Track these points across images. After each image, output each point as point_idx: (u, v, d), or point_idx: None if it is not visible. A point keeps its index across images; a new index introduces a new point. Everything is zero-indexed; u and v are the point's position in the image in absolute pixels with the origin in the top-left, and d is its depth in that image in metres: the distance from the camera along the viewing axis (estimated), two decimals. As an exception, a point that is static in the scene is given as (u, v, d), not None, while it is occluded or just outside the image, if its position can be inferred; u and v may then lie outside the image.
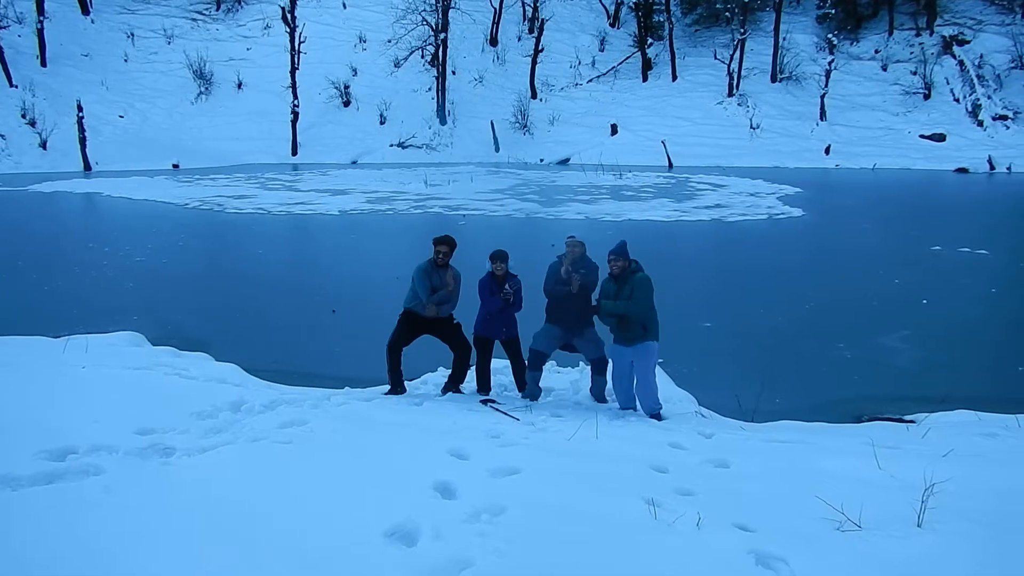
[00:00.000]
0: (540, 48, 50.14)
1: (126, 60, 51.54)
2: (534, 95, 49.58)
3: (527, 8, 54.82)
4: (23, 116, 42.58)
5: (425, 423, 6.32)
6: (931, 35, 46.80)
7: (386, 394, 7.91)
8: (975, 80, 43.24)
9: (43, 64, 47.45)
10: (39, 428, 5.09)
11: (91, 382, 6.46)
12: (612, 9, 54.60)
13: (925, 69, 44.64)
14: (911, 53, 46.46)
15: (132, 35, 53.03)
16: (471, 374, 8.27)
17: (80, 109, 40.42)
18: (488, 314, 7.82)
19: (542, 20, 51.28)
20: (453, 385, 8.12)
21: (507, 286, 7.71)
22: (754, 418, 7.33)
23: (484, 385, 8.12)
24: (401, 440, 5.56)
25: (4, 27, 45.56)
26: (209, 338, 10.41)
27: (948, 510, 4.22)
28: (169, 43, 53.26)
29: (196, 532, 3.83)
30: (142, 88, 49.66)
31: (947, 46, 45.60)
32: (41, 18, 47.52)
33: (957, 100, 43.56)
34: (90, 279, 14.78)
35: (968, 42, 45.35)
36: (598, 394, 7.91)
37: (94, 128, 42.59)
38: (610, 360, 7.60)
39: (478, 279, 7.92)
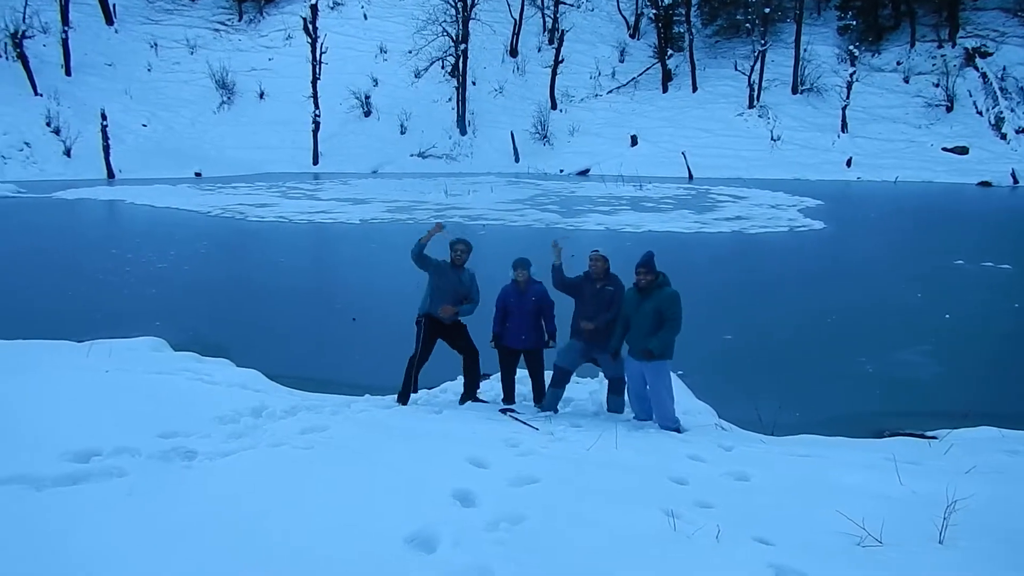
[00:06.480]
0: (560, 59, 50.28)
1: (149, 70, 52.21)
2: (554, 106, 49.70)
3: (547, 19, 55.05)
4: (48, 124, 43.19)
5: (444, 431, 6.33)
6: (953, 47, 46.48)
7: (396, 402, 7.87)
8: (998, 93, 42.86)
9: (68, 73, 48.17)
10: (64, 430, 5.16)
11: (115, 386, 6.53)
12: (632, 20, 54.69)
13: (947, 81, 44.32)
14: (933, 65, 46.15)
15: (155, 45, 53.75)
16: (497, 385, 8.26)
17: (104, 118, 40.96)
18: (508, 321, 7.80)
19: (562, 31, 51.45)
20: (469, 395, 8.08)
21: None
22: (774, 431, 7.28)
23: (509, 396, 8.09)
24: (420, 448, 5.58)
25: (29, 36, 46.29)
26: (230, 344, 10.48)
27: (970, 527, 4.19)
28: (192, 53, 53.92)
29: (216, 536, 3.87)
30: (165, 97, 50.28)
31: (969, 58, 45.26)
32: (66, 28, 48.29)
33: (980, 113, 43.20)
34: (113, 285, 14.95)
35: (991, 54, 44.99)
36: (615, 410, 7.84)
37: (117, 136, 43.12)
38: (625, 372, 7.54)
39: (501, 287, 7.91)
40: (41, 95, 45.05)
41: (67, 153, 42.23)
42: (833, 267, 17.45)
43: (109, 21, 54.07)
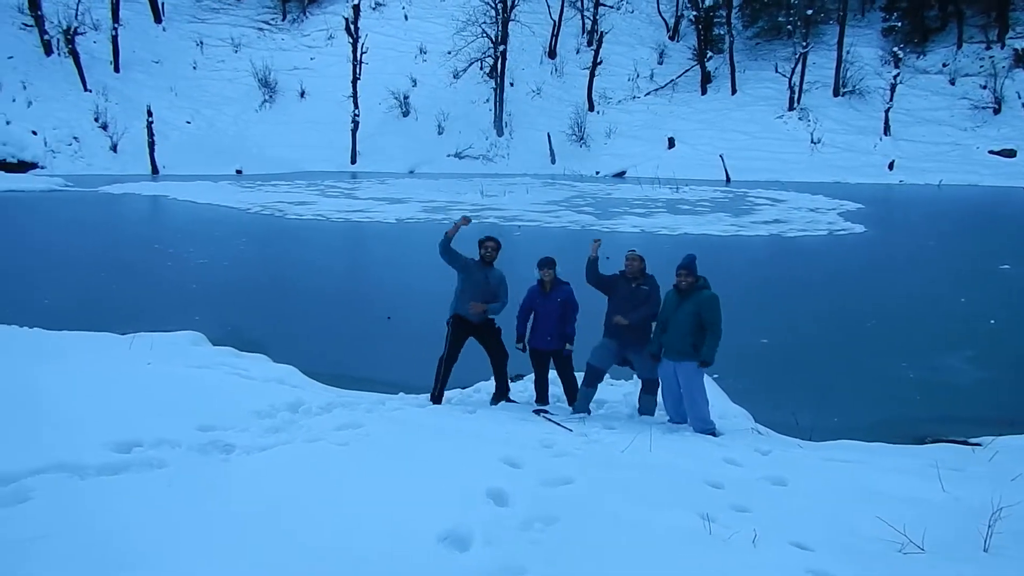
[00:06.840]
0: (598, 61, 50.09)
1: (195, 67, 53.07)
2: (591, 107, 49.52)
3: (586, 21, 54.87)
4: (96, 119, 44.15)
5: (478, 430, 6.33)
6: (1002, 48, 45.39)
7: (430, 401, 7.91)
8: (1049, 95, 41.77)
9: (116, 70, 49.16)
10: (107, 420, 5.26)
11: (156, 378, 6.65)
12: (672, 22, 54.28)
13: (995, 83, 43.26)
14: (981, 67, 45.08)
15: (201, 43, 54.63)
16: (530, 386, 8.24)
17: (150, 114, 41.74)
18: (534, 322, 7.79)
19: (601, 33, 51.24)
20: (500, 396, 8.08)
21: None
22: (812, 436, 7.17)
23: (543, 398, 8.07)
24: (455, 446, 5.58)
25: (81, 33, 47.34)
26: (267, 340, 10.61)
27: (1016, 535, 4.09)
28: (236, 52, 54.70)
29: (253, 529, 3.91)
30: (209, 95, 51.08)
31: (1019, 59, 44.15)
32: (116, 25, 49.28)
33: (1029, 115, 42.15)
34: (155, 279, 15.22)
35: (1042, 55, 43.87)
36: (647, 411, 7.78)
37: (162, 133, 43.89)
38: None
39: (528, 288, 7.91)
40: (90, 91, 46.03)
41: (114, 148, 43.15)
42: (873, 271, 17.12)
43: (157, 19, 55.10)
